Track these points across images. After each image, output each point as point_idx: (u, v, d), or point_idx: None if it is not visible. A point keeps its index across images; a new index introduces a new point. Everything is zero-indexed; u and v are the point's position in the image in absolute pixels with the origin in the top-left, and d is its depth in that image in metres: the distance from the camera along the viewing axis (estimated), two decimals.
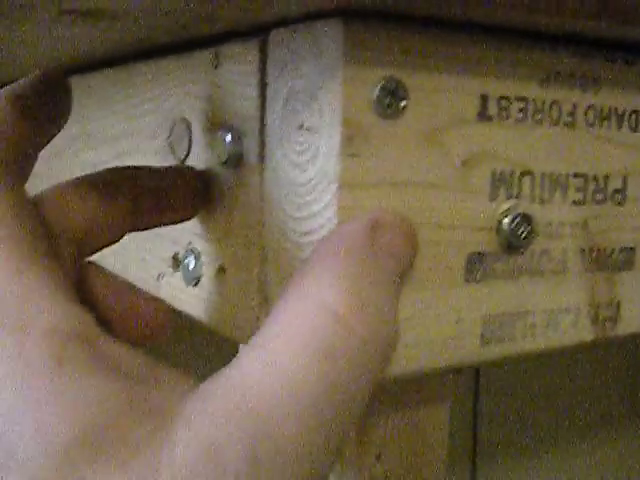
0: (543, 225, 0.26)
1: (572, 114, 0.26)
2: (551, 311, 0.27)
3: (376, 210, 0.22)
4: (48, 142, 0.26)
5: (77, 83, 0.40)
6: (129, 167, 0.27)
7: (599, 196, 0.28)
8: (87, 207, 0.25)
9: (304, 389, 0.18)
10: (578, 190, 0.27)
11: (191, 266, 0.30)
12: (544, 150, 0.26)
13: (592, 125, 0.27)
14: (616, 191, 0.28)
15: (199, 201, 0.29)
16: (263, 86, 0.25)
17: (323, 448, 0.19)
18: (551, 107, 0.26)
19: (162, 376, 0.20)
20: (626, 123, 0.28)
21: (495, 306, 0.25)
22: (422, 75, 0.23)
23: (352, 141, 0.22)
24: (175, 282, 0.32)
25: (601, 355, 0.93)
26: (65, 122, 0.26)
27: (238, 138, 0.26)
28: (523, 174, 0.26)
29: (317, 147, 0.23)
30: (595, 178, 0.27)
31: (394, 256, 0.22)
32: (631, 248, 0.29)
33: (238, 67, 0.27)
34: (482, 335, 0.25)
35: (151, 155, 0.33)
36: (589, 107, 0.27)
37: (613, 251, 0.28)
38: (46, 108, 0.25)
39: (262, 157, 0.26)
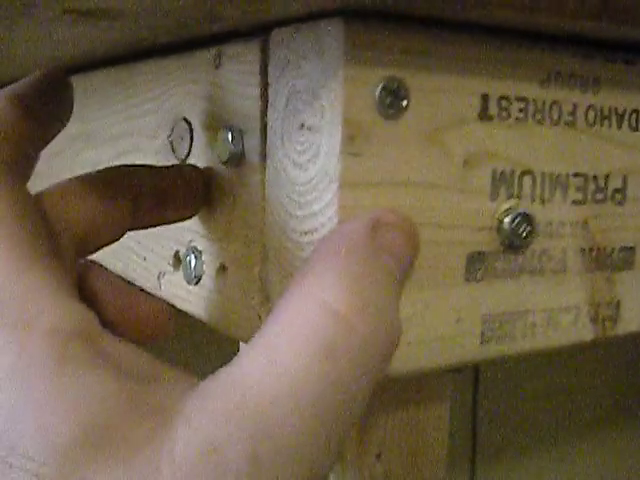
0: (543, 225, 0.26)
1: (572, 114, 0.26)
2: (551, 310, 0.27)
3: (377, 209, 0.22)
4: (49, 142, 0.26)
5: (78, 82, 0.40)
6: (130, 166, 0.27)
7: (599, 196, 0.28)
8: (88, 206, 0.25)
9: (305, 388, 0.18)
10: (578, 190, 0.27)
11: (192, 265, 0.30)
12: (544, 150, 0.26)
13: (592, 125, 0.27)
14: (616, 191, 0.28)
15: (200, 200, 0.29)
16: (264, 86, 0.25)
17: (324, 447, 0.19)
18: (551, 107, 0.26)
19: (163, 374, 0.20)
20: (626, 123, 0.28)
21: (495, 305, 0.25)
22: (423, 75, 0.23)
23: (353, 140, 0.22)
24: (176, 281, 0.32)
25: (601, 355, 0.93)
26: (67, 121, 0.26)
27: (239, 137, 0.26)
28: (523, 174, 0.26)
29: (318, 146, 0.23)
30: (595, 178, 0.27)
31: (395, 255, 0.22)
32: (631, 248, 0.29)
33: (239, 67, 0.27)
34: (482, 334, 0.25)
35: (152, 155, 0.33)
36: (589, 107, 0.27)
37: (613, 250, 0.28)
38: (47, 108, 0.25)
39: (263, 156, 0.26)
